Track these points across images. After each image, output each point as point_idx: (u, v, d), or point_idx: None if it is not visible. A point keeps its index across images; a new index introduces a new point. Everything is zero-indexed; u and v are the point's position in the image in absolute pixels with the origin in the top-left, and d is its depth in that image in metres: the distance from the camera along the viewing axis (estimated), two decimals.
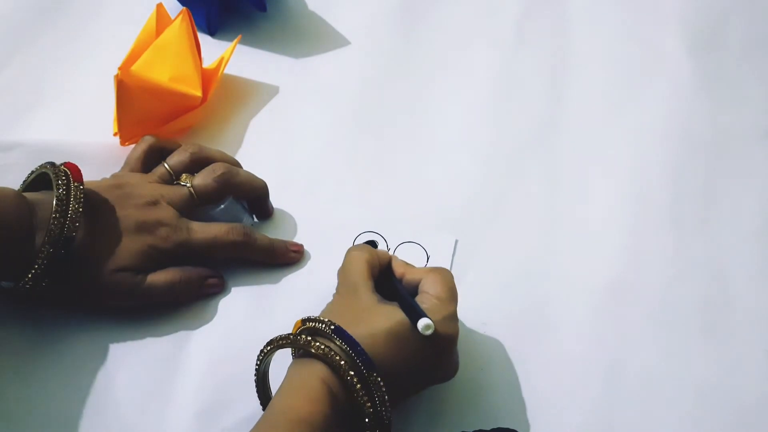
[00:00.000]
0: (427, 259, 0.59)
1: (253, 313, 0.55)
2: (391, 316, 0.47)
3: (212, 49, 0.69)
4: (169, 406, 0.51)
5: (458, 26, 0.77)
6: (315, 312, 0.50)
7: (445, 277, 0.50)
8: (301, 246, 0.59)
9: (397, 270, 0.52)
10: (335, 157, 0.66)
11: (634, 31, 0.77)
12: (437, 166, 0.66)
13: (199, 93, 0.63)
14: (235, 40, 0.68)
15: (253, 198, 0.60)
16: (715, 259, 0.61)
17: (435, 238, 0.61)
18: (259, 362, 0.48)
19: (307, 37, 0.75)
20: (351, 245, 0.56)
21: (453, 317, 0.48)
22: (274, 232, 0.60)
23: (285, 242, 0.58)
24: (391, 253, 0.58)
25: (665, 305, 0.59)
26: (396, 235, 0.60)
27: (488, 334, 0.56)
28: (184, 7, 0.66)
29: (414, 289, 0.51)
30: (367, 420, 0.44)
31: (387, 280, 0.52)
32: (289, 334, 0.47)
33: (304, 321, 0.47)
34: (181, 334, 0.54)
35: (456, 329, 0.48)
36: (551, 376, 0.55)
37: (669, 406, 0.54)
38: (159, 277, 0.53)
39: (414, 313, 0.46)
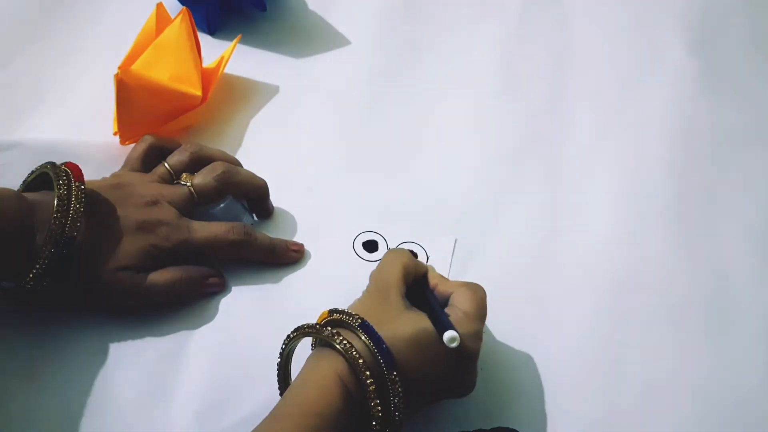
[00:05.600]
0: (427, 259, 0.59)
1: (253, 313, 0.55)
2: (416, 322, 0.47)
3: (212, 48, 0.69)
4: (169, 406, 0.51)
5: (458, 25, 0.77)
6: (315, 311, 0.50)
7: (477, 293, 0.50)
8: (302, 245, 0.59)
9: (431, 281, 0.52)
10: (335, 156, 0.66)
11: (635, 29, 0.77)
12: (437, 165, 0.66)
13: (199, 92, 0.63)
14: (235, 40, 0.68)
15: (254, 197, 0.60)
16: (716, 258, 0.61)
17: (435, 237, 0.61)
18: (283, 347, 0.48)
19: (307, 37, 0.75)
20: (388, 250, 0.56)
21: (477, 335, 0.48)
22: (274, 231, 0.60)
23: (285, 241, 0.58)
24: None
25: (666, 305, 0.59)
26: (396, 234, 0.61)
27: (488, 333, 0.56)
28: (184, 7, 0.66)
29: (445, 302, 0.51)
30: (374, 423, 0.44)
31: (420, 289, 0.52)
32: (314, 324, 0.47)
33: (330, 312, 0.47)
34: (181, 334, 0.54)
35: (478, 347, 0.48)
36: (551, 376, 0.54)
37: (669, 405, 0.54)
38: (160, 277, 0.53)
39: (442, 324, 0.46)
